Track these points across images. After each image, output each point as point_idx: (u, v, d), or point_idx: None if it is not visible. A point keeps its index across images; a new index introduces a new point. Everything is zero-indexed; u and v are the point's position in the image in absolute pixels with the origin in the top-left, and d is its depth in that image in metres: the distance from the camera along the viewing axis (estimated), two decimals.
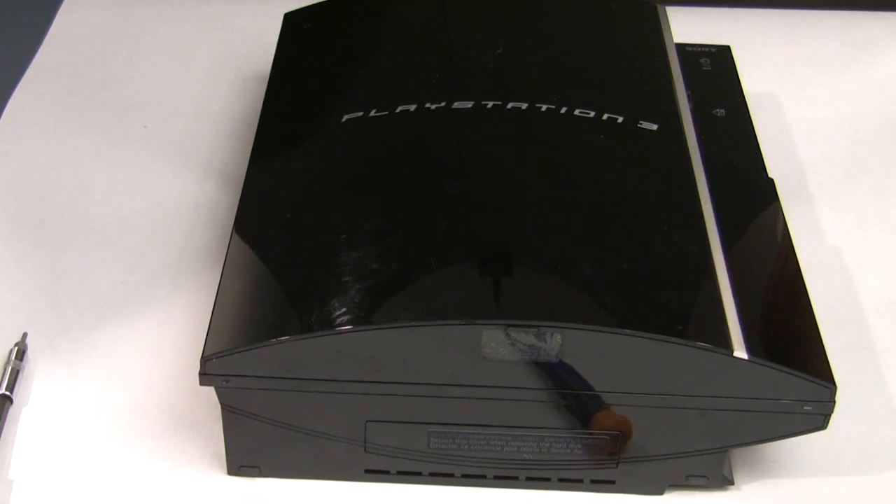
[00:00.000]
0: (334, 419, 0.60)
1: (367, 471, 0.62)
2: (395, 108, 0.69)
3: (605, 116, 0.68)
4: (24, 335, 0.68)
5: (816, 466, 0.63)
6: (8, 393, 0.64)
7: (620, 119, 0.68)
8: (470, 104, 0.69)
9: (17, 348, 0.67)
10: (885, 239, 0.78)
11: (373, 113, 0.69)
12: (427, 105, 0.69)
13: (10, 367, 0.66)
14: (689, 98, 0.72)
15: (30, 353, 0.68)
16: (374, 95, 0.71)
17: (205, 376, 0.58)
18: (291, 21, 0.81)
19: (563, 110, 0.68)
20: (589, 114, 0.68)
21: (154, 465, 0.63)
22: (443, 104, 0.69)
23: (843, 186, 0.82)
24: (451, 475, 0.62)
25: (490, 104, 0.69)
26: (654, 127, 0.68)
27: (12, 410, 0.64)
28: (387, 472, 0.62)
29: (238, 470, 0.62)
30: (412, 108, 0.69)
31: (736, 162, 0.71)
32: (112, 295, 0.72)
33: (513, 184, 0.65)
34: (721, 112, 0.75)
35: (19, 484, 0.61)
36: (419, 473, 0.62)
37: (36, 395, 0.66)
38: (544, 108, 0.69)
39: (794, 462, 0.63)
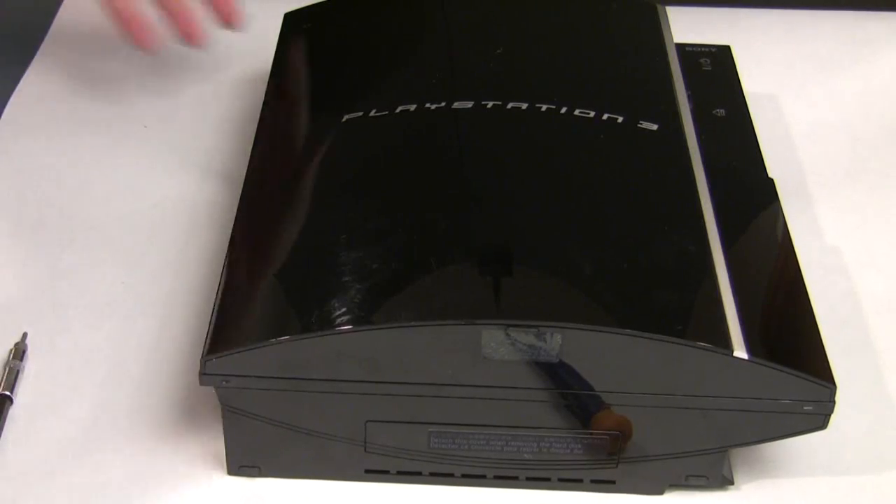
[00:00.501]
0: (334, 419, 0.60)
1: (367, 471, 0.62)
2: (395, 108, 0.69)
3: (605, 116, 0.68)
4: (24, 335, 0.68)
5: (816, 466, 0.63)
6: (8, 393, 0.64)
7: (620, 119, 0.68)
8: (470, 104, 0.69)
9: (17, 348, 0.67)
10: (885, 239, 0.78)
11: (373, 113, 0.69)
12: (427, 105, 0.69)
13: (10, 367, 0.66)
14: (690, 98, 0.72)
15: (30, 352, 0.68)
16: (374, 95, 0.71)
17: (205, 376, 0.58)
18: (291, 21, 0.81)
19: (563, 110, 0.68)
20: (589, 114, 0.68)
21: (154, 466, 0.63)
22: (443, 104, 0.69)
23: (843, 186, 0.82)
24: (451, 475, 0.62)
25: (490, 104, 0.69)
26: (654, 127, 0.68)
27: (12, 410, 0.64)
28: (387, 472, 0.62)
29: (238, 470, 0.62)
30: (412, 108, 0.69)
31: (736, 162, 0.71)
32: (112, 295, 0.72)
33: (513, 184, 0.65)
34: (721, 112, 0.75)
35: (19, 484, 0.61)
36: (419, 473, 0.62)
37: (36, 395, 0.66)
38: (544, 108, 0.69)
39: (794, 462, 0.63)
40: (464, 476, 0.62)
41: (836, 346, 0.61)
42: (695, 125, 0.70)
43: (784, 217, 0.67)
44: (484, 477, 0.62)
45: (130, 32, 0.75)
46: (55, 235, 0.76)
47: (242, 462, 0.62)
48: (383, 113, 0.69)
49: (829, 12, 0.99)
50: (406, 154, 0.68)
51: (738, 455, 0.63)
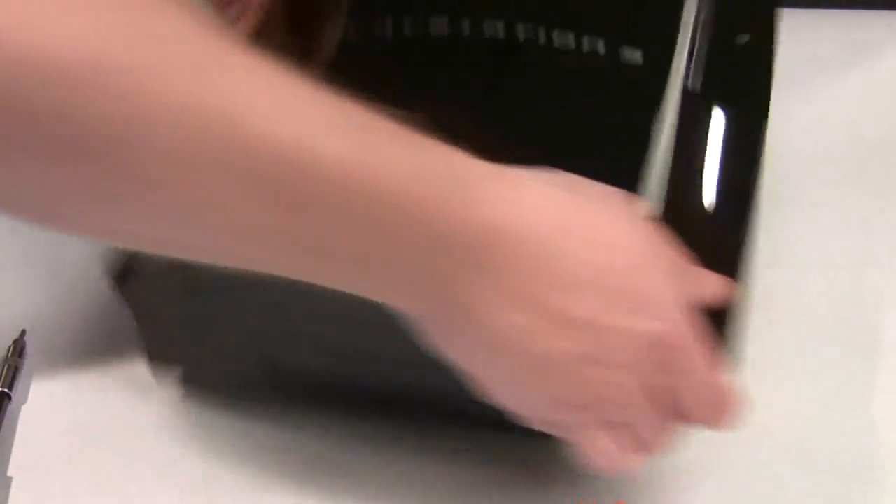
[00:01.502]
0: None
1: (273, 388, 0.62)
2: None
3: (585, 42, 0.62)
4: (23, 332, 0.68)
5: (816, 466, 0.63)
6: (6, 390, 0.64)
7: (601, 49, 0.62)
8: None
9: (15, 345, 0.67)
10: (885, 238, 0.78)
11: None
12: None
13: (8, 365, 0.66)
14: (709, 18, 0.66)
15: (28, 350, 0.68)
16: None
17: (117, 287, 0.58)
18: None
19: (542, 40, 0.62)
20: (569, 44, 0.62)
21: (154, 465, 0.63)
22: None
23: (843, 186, 0.82)
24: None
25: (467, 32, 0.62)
26: (639, 58, 0.63)
27: (10, 408, 0.64)
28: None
29: (155, 366, 0.62)
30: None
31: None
32: (111, 292, 0.72)
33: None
34: (745, 39, 0.70)
35: (18, 481, 0.61)
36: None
37: (34, 392, 0.66)
38: (522, 38, 0.61)
39: (794, 462, 0.63)
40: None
41: (838, 345, 0.61)
42: (699, 55, 0.64)
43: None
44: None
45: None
46: (55, 233, 0.76)
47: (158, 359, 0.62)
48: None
49: (829, 12, 0.99)
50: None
51: (737, 454, 0.63)
